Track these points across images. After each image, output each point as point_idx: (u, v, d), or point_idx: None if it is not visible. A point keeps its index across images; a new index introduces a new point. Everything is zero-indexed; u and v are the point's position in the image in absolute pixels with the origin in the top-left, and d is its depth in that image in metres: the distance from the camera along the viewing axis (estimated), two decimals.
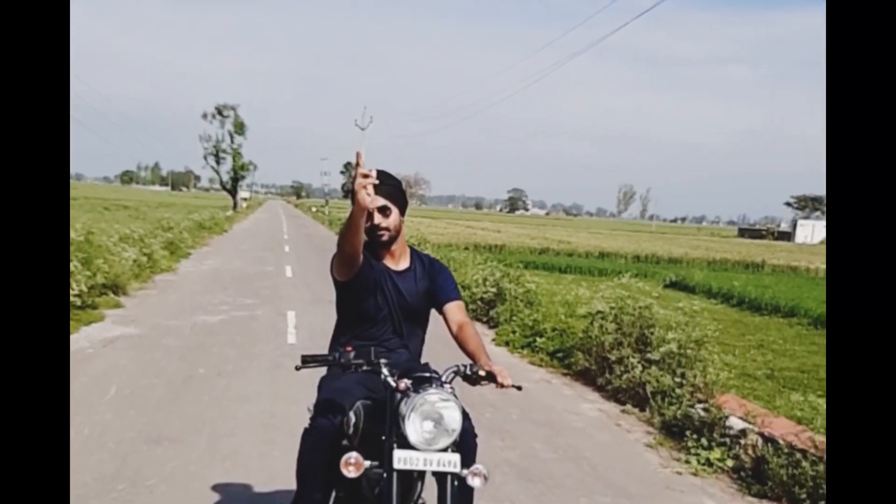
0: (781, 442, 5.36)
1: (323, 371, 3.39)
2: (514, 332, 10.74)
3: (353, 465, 2.66)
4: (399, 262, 3.38)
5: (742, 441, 5.72)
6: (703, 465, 5.75)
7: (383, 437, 2.74)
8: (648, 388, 7.13)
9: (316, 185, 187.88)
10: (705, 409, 6.25)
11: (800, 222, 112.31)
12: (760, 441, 5.58)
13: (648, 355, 7.43)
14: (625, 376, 7.57)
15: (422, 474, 2.84)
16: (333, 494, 3.18)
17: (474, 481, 2.67)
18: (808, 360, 12.03)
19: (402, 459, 2.63)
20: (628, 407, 7.35)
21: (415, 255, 3.47)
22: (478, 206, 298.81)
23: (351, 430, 2.98)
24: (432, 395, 2.64)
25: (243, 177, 69.52)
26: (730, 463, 5.71)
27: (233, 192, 68.33)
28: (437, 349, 3.66)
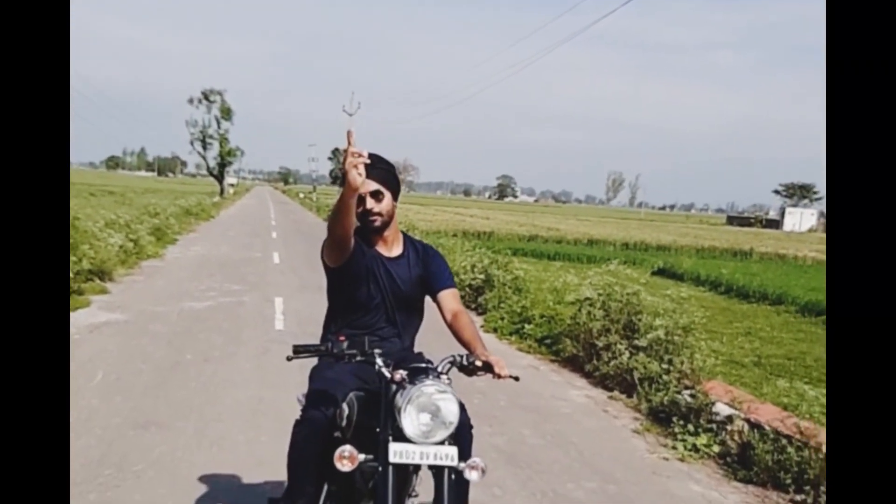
0: (767, 428, 5.39)
1: (314, 360, 3.30)
2: (502, 319, 10.76)
3: (347, 458, 2.60)
4: (392, 248, 3.28)
5: (728, 427, 5.75)
6: (690, 450, 5.78)
7: (378, 430, 2.67)
8: (636, 375, 7.15)
9: (304, 171, 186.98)
10: (692, 396, 6.28)
11: (788, 210, 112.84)
12: (746, 427, 5.61)
13: (636, 342, 7.46)
14: (612, 363, 7.59)
15: (417, 467, 2.75)
16: (325, 487, 3.12)
17: (472, 475, 2.63)
18: (795, 348, 12.11)
19: (397, 453, 2.56)
20: (616, 393, 7.37)
21: (408, 241, 3.37)
22: (466, 193, 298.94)
23: (344, 423, 2.91)
24: (429, 387, 2.57)
25: (230, 162, 69.21)
26: (716, 448, 5.74)
27: (220, 177, 68.00)
28: (428, 337, 3.65)
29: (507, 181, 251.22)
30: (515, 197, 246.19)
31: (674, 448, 5.87)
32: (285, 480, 4.10)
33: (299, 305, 11.34)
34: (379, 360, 2.74)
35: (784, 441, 5.18)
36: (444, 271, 3.30)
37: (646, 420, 6.59)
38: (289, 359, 2.79)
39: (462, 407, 2.68)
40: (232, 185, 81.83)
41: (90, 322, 9.02)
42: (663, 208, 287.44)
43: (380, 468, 2.60)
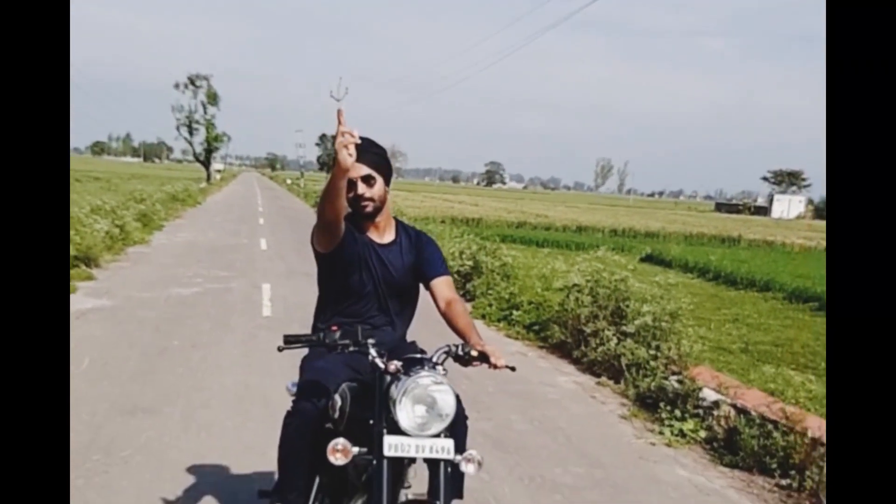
0: (753, 413, 5.42)
1: (304, 348, 3.22)
2: (490, 306, 10.76)
3: (340, 451, 2.53)
4: (384, 234, 3.19)
5: (715, 412, 5.79)
6: (677, 435, 5.81)
7: (371, 422, 2.60)
8: (623, 361, 7.17)
9: (291, 157, 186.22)
10: (679, 381, 6.31)
11: (776, 197, 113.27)
12: (733, 412, 5.65)
13: (624, 328, 7.48)
14: (600, 349, 7.62)
15: (412, 460, 2.68)
16: (317, 480, 3.06)
17: (468, 468, 2.56)
18: (782, 334, 12.19)
19: (392, 446, 2.49)
20: (603, 379, 7.40)
21: (401, 227, 3.28)
22: (455, 180, 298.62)
23: (337, 414, 2.83)
24: (425, 379, 2.49)
25: (217, 148, 68.69)
26: (702, 434, 5.78)
27: (206, 163, 67.57)
28: (415, 325, 3.64)
29: (496, 168, 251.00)
30: (504, 183, 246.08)
31: (661, 433, 5.90)
32: (274, 470, 4.10)
33: (287, 292, 11.31)
34: (372, 351, 2.65)
35: (770, 426, 5.22)
36: (437, 258, 3.22)
37: (633, 406, 6.62)
38: (280, 349, 2.70)
39: (458, 398, 2.60)
40: (219, 171, 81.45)
41: (77, 308, 8.96)
42: (652, 195, 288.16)
43: (374, 461, 2.53)
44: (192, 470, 4.56)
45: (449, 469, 2.57)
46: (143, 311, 9.21)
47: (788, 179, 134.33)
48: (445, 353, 2.73)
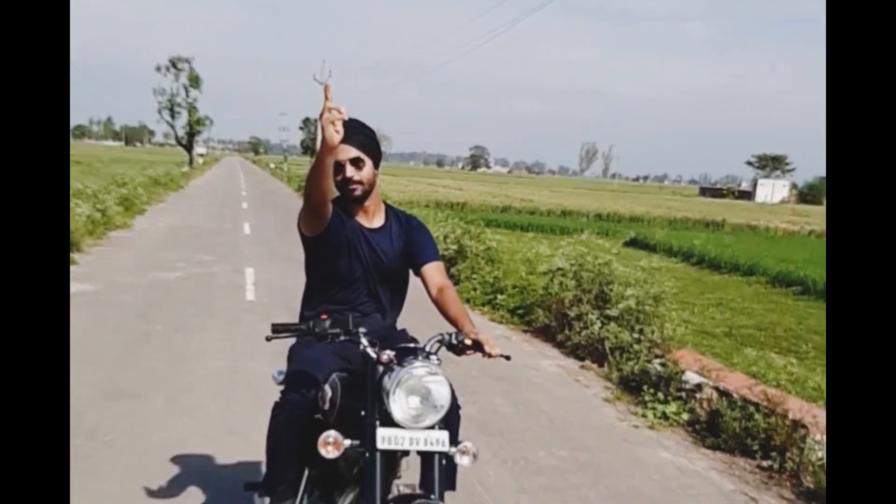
0: (735, 395, 5.47)
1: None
2: (474, 290, 10.78)
3: (331, 444, 2.45)
4: (373, 219, 3.08)
5: (697, 395, 5.83)
6: (660, 418, 5.86)
7: (363, 413, 2.52)
8: (607, 344, 7.21)
9: (274, 140, 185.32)
10: (662, 365, 6.35)
11: (760, 181, 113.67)
12: (715, 395, 5.69)
13: (607, 312, 7.51)
14: (584, 332, 7.65)
15: (406, 452, 2.59)
16: (306, 473, 2.99)
17: (462, 460, 2.51)
18: (765, 318, 12.29)
19: (386, 439, 2.42)
20: (587, 363, 7.43)
21: (390, 211, 3.18)
22: (439, 164, 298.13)
23: (327, 406, 2.75)
24: (419, 369, 2.41)
25: (199, 132, 68.10)
26: (685, 416, 5.82)
27: (189, 147, 67.03)
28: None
29: (481, 152, 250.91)
30: (489, 167, 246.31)
31: (644, 416, 5.94)
32: (259, 459, 4.09)
33: (271, 276, 11.27)
34: (364, 340, 2.55)
35: (752, 408, 5.26)
36: (428, 243, 3.13)
37: (616, 389, 6.66)
38: (268, 339, 2.59)
39: (451, 388, 2.52)
40: (201, 155, 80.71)
41: None
42: (637, 179, 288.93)
43: (367, 454, 2.46)
44: (176, 454, 4.55)
45: (443, 462, 2.51)
46: (125, 295, 9.16)
47: (772, 164, 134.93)
48: (438, 341, 2.65)
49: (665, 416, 5.86)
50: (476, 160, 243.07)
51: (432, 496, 2.46)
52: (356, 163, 2.92)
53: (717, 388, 5.72)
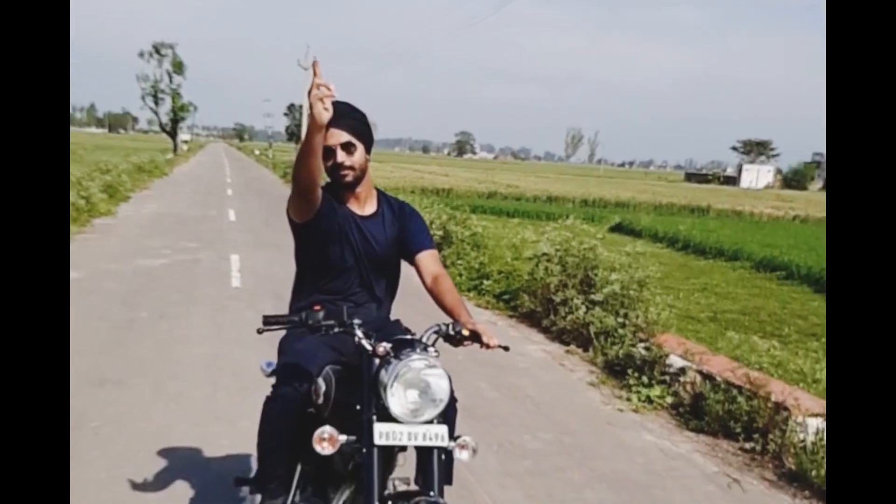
0: (719, 379, 5.52)
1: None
2: (460, 275, 10.80)
3: (327, 440, 2.37)
4: (365, 206, 2.99)
5: (681, 378, 5.88)
6: (644, 402, 5.90)
7: (358, 407, 2.43)
8: (592, 329, 7.25)
9: (259, 127, 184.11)
10: (646, 349, 6.39)
11: (745, 167, 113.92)
12: (699, 378, 5.74)
13: (592, 296, 7.55)
14: (569, 317, 7.68)
15: (403, 447, 2.52)
16: (299, 468, 2.91)
17: (462, 454, 2.44)
18: (749, 303, 12.37)
19: (383, 434, 2.33)
20: (572, 347, 7.47)
21: (383, 198, 3.08)
22: (425, 150, 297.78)
23: (321, 400, 2.67)
24: (417, 362, 2.32)
25: (183, 118, 67.72)
26: (669, 399, 5.87)
27: (173, 134, 66.60)
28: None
29: (466, 138, 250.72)
30: (474, 154, 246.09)
31: (628, 400, 5.99)
32: (246, 452, 4.12)
33: (256, 263, 11.25)
34: (359, 332, 2.47)
35: (734, 391, 5.31)
36: (422, 231, 3.04)
37: (601, 373, 6.70)
38: (259, 331, 2.51)
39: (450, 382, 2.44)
40: (185, 142, 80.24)
41: None
42: (622, 165, 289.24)
43: (364, 450, 2.37)
44: (162, 440, 4.55)
45: (443, 456, 2.43)
46: (110, 282, 9.12)
47: (757, 149, 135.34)
48: (435, 332, 2.57)
49: (649, 400, 5.91)
50: (462, 146, 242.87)
51: (431, 493, 2.38)
52: (347, 147, 2.83)
53: (700, 372, 5.77)
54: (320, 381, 2.70)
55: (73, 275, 9.37)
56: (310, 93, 2.44)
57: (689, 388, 5.78)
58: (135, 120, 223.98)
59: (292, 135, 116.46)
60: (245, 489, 3.27)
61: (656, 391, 5.95)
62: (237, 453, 4.36)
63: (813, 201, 51.47)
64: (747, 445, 5.08)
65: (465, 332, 2.56)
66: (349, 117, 2.83)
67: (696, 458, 5.00)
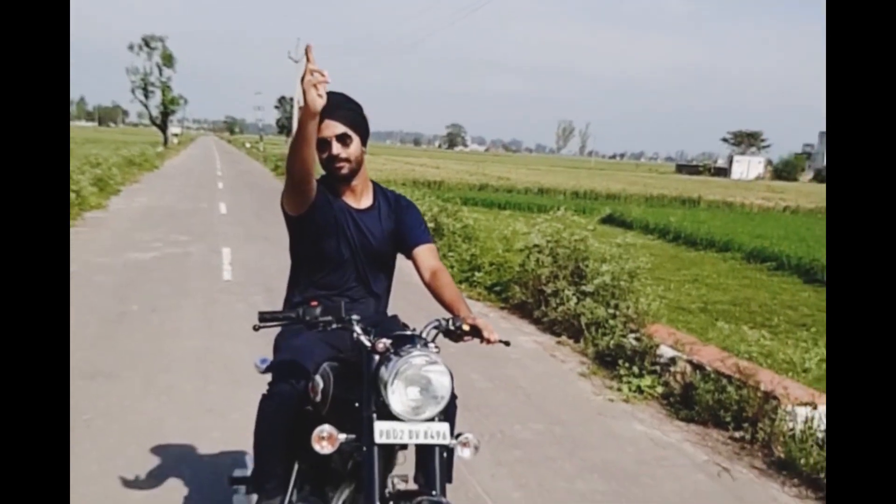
0: (709, 368, 5.55)
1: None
2: (451, 267, 10.80)
3: (326, 439, 2.31)
4: (361, 199, 2.92)
5: (671, 368, 5.91)
6: (634, 392, 5.93)
7: (357, 405, 2.38)
8: (583, 320, 7.27)
9: (250, 120, 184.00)
10: (637, 339, 6.42)
11: (736, 158, 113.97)
12: (689, 368, 5.77)
13: (583, 287, 7.57)
14: (560, 308, 7.71)
15: (403, 445, 2.46)
16: (296, 467, 2.86)
17: (464, 452, 2.39)
18: (740, 294, 12.42)
19: (384, 433, 2.27)
20: (563, 338, 7.50)
21: (379, 191, 3.02)
22: (416, 142, 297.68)
23: (319, 397, 2.60)
24: (418, 358, 2.27)
25: (173, 111, 67.50)
26: (659, 389, 5.90)
27: (163, 127, 66.38)
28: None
29: (457, 130, 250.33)
30: (465, 146, 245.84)
31: (619, 390, 6.02)
32: (240, 449, 4.12)
33: (247, 256, 11.23)
34: (357, 328, 2.42)
35: (724, 381, 5.34)
36: (419, 224, 2.98)
37: (592, 364, 6.73)
38: (255, 328, 2.45)
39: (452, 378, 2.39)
40: (176, 135, 79.94)
41: None
42: (613, 157, 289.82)
43: (364, 448, 2.31)
44: (153, 433, 4.56)
45: (444, 454, 2.39)
46: (101, 276, 9.10)
47: (748, 140, 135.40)
48: (435, 328, 2.52)
49: (640, 390, 5.94)
50: (453, 138, 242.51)
51: (434, 492, 2.32)
52: (343, 139, 2.77)
53: (690, 362, 5.80)
54: (318, 378, 2.63)
55: None
56: (303, 79, 2.38)
57: (679, 377, 5.81)
58: (125, 113, 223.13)
59: (283, 128, 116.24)
60: (241, 489, 3.23)
61: (647, 381, 5.98)
62: (229, 445, 4.37)
63: (803, 192, 51.67)
64: (737, 434, 5.11)
65: (466, 328, 2.52)
66: (345, 108, 2.78)
67: (687, 447, 5.03)
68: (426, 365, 2.29)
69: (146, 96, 63.49)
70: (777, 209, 36.38)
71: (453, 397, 2.51)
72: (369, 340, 2.38)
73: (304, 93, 2.38)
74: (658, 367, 6.06)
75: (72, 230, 12.73)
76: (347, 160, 2.78)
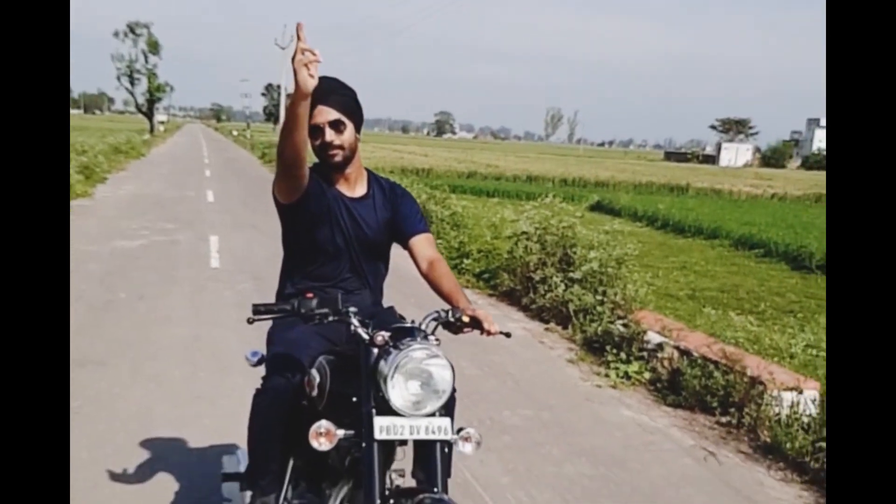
0: (696, 354, 5.58)
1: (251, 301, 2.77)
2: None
3: (324, 435, 2.24)
4: (355, 187, 2.84)
5: (659, 354, 5.94)
6: (622, 378, 5.96)
7: (354, 399, 2.32)
8: (571, 307, 7.30)
9: (237, 107, 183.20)
10: (625, 325, 6.45)
11: (724, 145, 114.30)
12: (676, 354, 5.80)
13: (571, 274, 7.59)
14: (548, 295, 7.73)
15: (403, 441, 2.38)
16: (291, 463, 2.80)
17: (465, 447, 2.31)
18: (728, 281, 12.49)
19: (384, 428, 2.20)
20: (552, 325, 7.53)
21: (373, 179, 2.94)
22: (404, 130, 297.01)
23: (315, 392, 2.52)
24: (418, 352, 2.20)
25: (159, 98, 67.01)
26: (647, 375, 5.94)
27: (149, 114, 65.90)
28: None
29: (446, 117, 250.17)
30: (454, 133, 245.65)
31: (606, 376, 6.05)
32: (230, 442, 4.11)
33: (235, 244, 11.20)
34: (355, 320, 2.34)
35: (711, 366, 5.38)
36: (415, 213, 2.91)
37: (580, 350, 6.76)
38: (249, 321, 2.36)
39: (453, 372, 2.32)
40: (162, 123, 79.52)
41: None
42: (602, 144, 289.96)
43: (364, 444, 2.23)
44: (143, 420, 4.57)
45: (446, 450, 2.33)
46: (87, 264, 9.05)
47: (736, 128, 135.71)
48: (435, 320, 2.45)
49: (627, 376, 5.97)
50: (441, 126, 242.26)
51: (435, 489, 2.24)
52: (336, 126, 2.68)
53: (677, 348, 5.83)
54: (314, 371, 2.56)
55: None
56: (294, 59, 2.30)
57: (666, 363, 5.84)
58: (110, 101, 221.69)
59: (270, 115, 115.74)
60: (234, 485, 3.16)
61: (634, 367, 6.01)
62: (219, 432, 4.37)
63: (791, 179, 51.91)
64: (723, 419, 5.15)
65: (466, 319, 2.46)
66: (338, 94, 2.70)
67: (674, 432, 5.07)
68: (427, 358, 2.22)
69: (132, 83, 62.99)
70: (765, 196, 36.53)
71: (453, 391, 2.44)
72: (367, 333, 2.31)
73: (295, 73, 2.30)
74: (645, 354, 6.09)
75: None
76: (341, 147, 2.71)
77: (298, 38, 2.28)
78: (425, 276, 2.77)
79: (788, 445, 4.61)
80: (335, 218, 2.78)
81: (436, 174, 34.50)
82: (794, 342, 6.35)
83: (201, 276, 8.89)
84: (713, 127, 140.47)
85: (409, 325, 2.39)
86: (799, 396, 4.86)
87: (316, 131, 2.67)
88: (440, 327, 2.47)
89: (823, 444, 4.38)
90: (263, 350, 2.93)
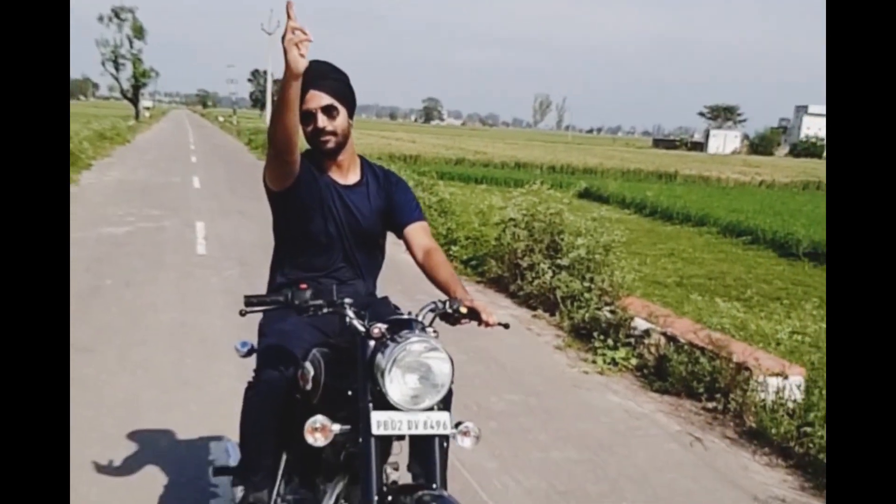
0: (682, 340, 5.61)
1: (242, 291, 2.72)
2: None
3: (319, 430, 2.18)
4: (348, 175, 2.77)
5: (646, 341, 5.97)
6: (609, 364, 5.99)
7: (350, 393, 2.26)
8: (558, 294, 7.31)
9: (223, 93, 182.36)
10: (612, 312, 6.47)
11: (712, 132, 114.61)
12: (663, 340, 5.83)
13: (558, 261, 7.60)
14: (536, 282, 7.74)
15: (401, 435, 2.30)
16: (284, 458, 2.75)
17: (465, 442, 2.26)
18: (715, 268, 12.55)
19: (381, 423, 2.13)
20: (539, 312, 7.54)
21: (366, 166, 2.87)
22: (392, 116, 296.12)
23: (309, 385, 2.45)
24: (416, 344, 2.13)
25: (145, 84, 66.63)
26: (634, 361, 5.97)
27: (134, 100, 65.51)
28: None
29: (434, 104, 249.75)
30: (442, 120, 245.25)
31: (594, 362, 6.07)
32: (220, 434, 4.11)
33: (222, 230, 11.16)
34: (350, 312, 2.28)
35: (697, 352, 5.41)
36: (410, 202, 2.84)
37: (568, 336, 6.78)
38: (242, 314, 2.30)
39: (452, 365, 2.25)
40: (147, 109, 78.87)
41: None
42: (591, 131, 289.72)
43: (360, 440, 2.17)
44: (130, 406, 4.56)
45: (444, 444, 2.28)
46: (73, 250, 8.97)
47: (724, 115, 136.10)
48: (432, 311, 2.39)
49: (614, 362, 6.00)
50: (429, 112, 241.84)
51: (434, 485, 2.19)
52: (328, 111, 2.61)
53: (664, 334, 5.86)
54: (308, 364, 2.48)
55: None
56: (284, 38, 2.21)
57: (653, 350, 5.87)
58: (95, 86, 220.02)
59: (256, 101, 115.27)
60: (225, 480, 3.17)
61: (621, 353, 6.04)
62: (206, 418, 4.37)
63: (779, 166, 52.12)
64: (709, 405, 5.18)
65: (464, 310, 2.40)
66: (330, 78, 2.63)
67: (660, 417, 5.10)
68: (426, 351, 2.15)
69: (117, 69, 62.63)
70: (753, 183, 36.69)
71: (451, 383, 2.38)
72: (363, 325, 2.24)
73: (286, 52, 2.20)
74: (632, 340, 6.12)
75: None
76: (334, 133, 2.64)
77: (289, 16, 2.21)
78: (421, 266, 2.71)
79: (773, 431, 4.64)
80: (327, 206, 2.71)
81: (424, 161, 34.44)
82: (780, 328, 6.39)
83: (188, 262, 8.85)
84: (702, 114, 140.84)
85: (406, 316, 2.32)
86: (784, 382, 4.90)
87: (308, 117, 2.60)
88: (437, 318, 2.41)
89: (808, 430, 4.43)
90: (253, 340, 2.88)
